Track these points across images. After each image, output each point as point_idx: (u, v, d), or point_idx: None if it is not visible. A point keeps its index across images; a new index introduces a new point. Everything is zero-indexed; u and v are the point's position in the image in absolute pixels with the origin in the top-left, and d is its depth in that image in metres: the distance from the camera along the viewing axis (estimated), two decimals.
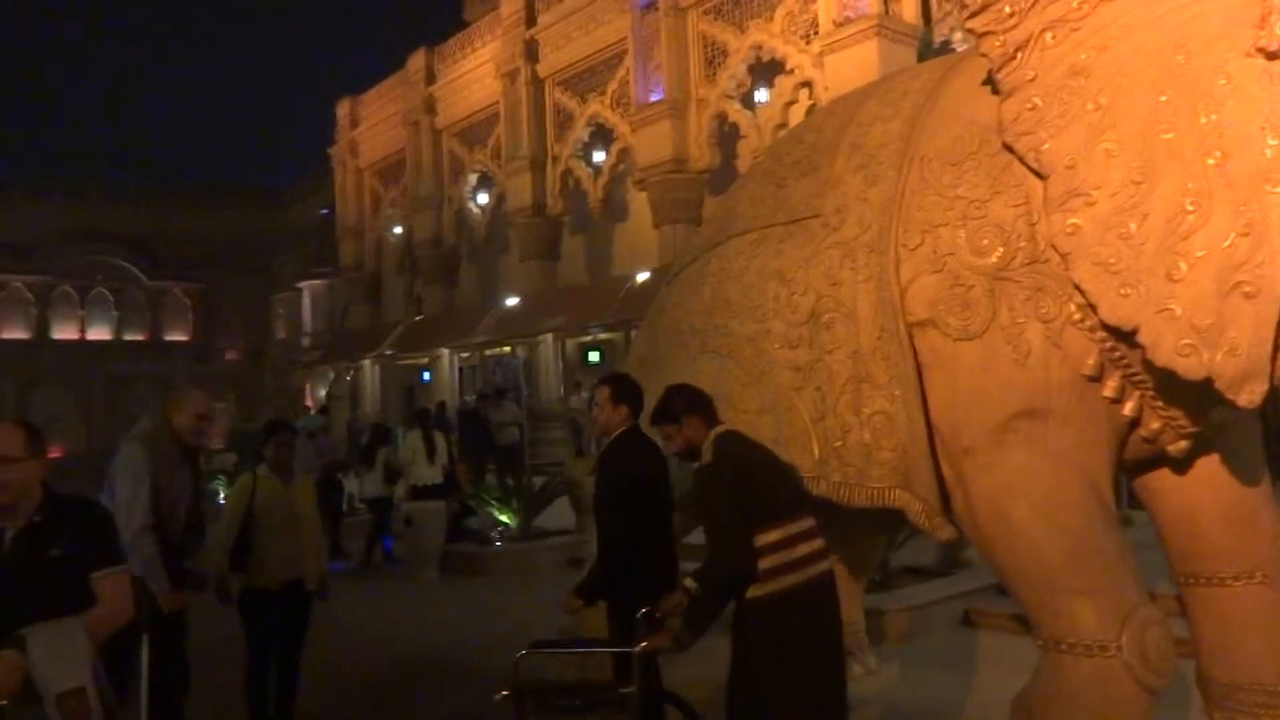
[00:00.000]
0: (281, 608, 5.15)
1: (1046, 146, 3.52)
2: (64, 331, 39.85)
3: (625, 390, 4.49)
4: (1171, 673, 3.61)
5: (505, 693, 3.71)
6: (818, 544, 3.82)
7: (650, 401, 4.24)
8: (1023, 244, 3.70)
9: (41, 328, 39.35)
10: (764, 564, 3.67)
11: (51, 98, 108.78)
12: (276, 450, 5.41)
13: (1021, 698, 3.77)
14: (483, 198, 25.64)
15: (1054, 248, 3.52)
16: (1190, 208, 3.23)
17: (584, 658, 3.91)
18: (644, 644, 3.71)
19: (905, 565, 7.42)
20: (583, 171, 22.27)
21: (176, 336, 41.77)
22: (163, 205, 40.99)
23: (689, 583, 3.78)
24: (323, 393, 31.70)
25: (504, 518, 10.97)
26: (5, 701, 2.63)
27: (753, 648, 3.70)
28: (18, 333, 39.02)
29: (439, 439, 10.58)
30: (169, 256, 40.30)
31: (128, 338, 40.73)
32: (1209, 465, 4.08)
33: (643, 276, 19.45)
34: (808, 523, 3.81)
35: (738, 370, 4.58)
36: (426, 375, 26.98)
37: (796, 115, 17.20)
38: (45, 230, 38.46)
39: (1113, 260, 3.34)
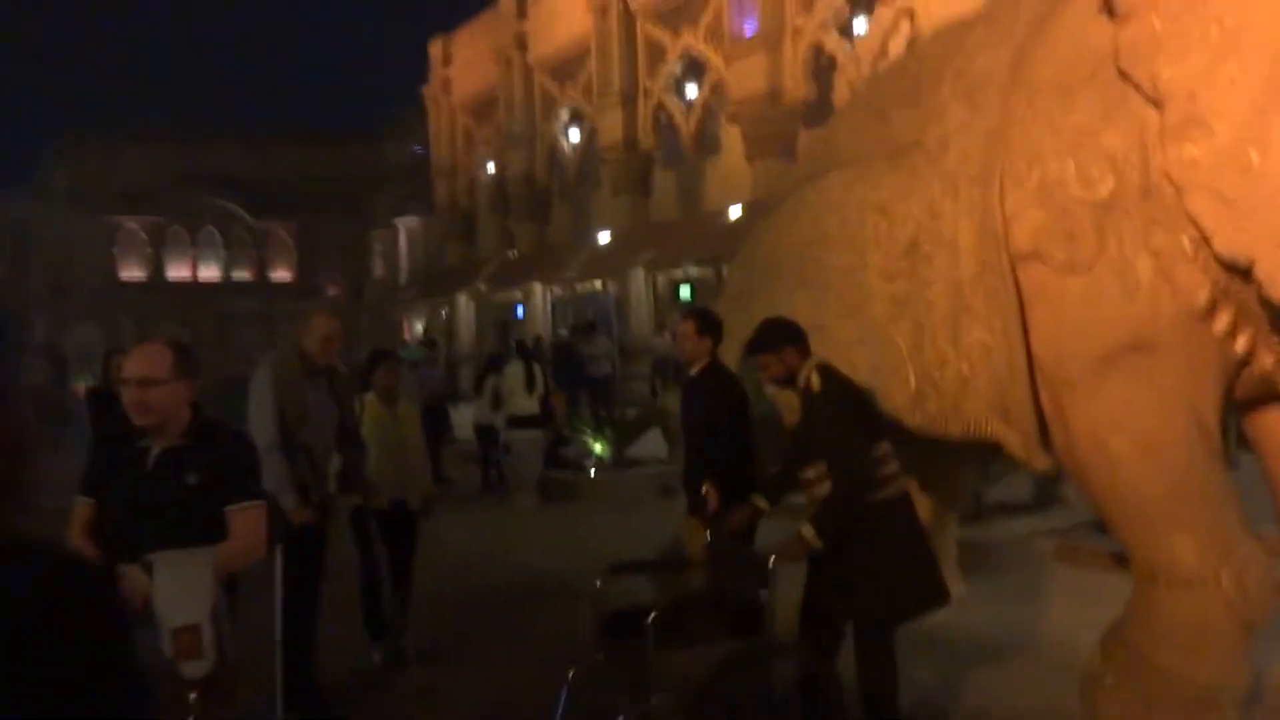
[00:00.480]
0: (390, 527, 5.42)
1: (1165, 74, 3.42)
2: (177, 271, 41.57)
3: (709, 324, 4.79)
4: (1270, 609, 3.60)
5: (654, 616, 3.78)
6: (897, 462, 4.05)
7: (748, 334, 4.34)
8: (1135, 175, 3.61)
9: (156, 268, 41.10)
10: (874, 474, 3.92)
11: (154, 45, 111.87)
12: (383, 377, 5.66)
13: (1114, 630, 3.80)
14: (574, 134, 25.70)
15: (1169, 179, 3.44)
16: None
17: (674, 575, 4.08)
18: (781, 552, 3.86)
19: (999, 500, 7.39)
20: (675, 106, 22.11)
21: (280, 274, 43.20)
22: (264, 148, 42.04)
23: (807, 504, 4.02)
24: (419, 328, 32.52)
25: (598, 447, 11.23)
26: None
27: (859, 550, 3.87)
28: (134, 273, 40.84)
29: (537, 371, 10.86)
30: (272, 197, 41.44)
31: (235, 276, 42.31)
32: None
33: (735, 211, 19.34)
34: (888, 444, 4.05)
35: (835, 302, 4.61)
36: (520, 310, 27.41)
37: (896, 47, 16.73)
38: (154, 175, 39.83)
39: (1231, 192, 3.26)
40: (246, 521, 3.01)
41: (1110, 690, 3.72)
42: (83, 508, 3.09)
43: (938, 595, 3.99)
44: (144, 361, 3.04)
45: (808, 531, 3.85)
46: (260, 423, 4.31)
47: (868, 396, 4.16)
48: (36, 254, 38.26)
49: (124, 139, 40.43)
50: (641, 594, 4.26)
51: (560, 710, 3.66)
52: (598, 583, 3.93)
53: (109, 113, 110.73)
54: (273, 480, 4.02)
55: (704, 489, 4.49)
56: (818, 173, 5.10)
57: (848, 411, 3.96)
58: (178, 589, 2.73)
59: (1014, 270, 3.93)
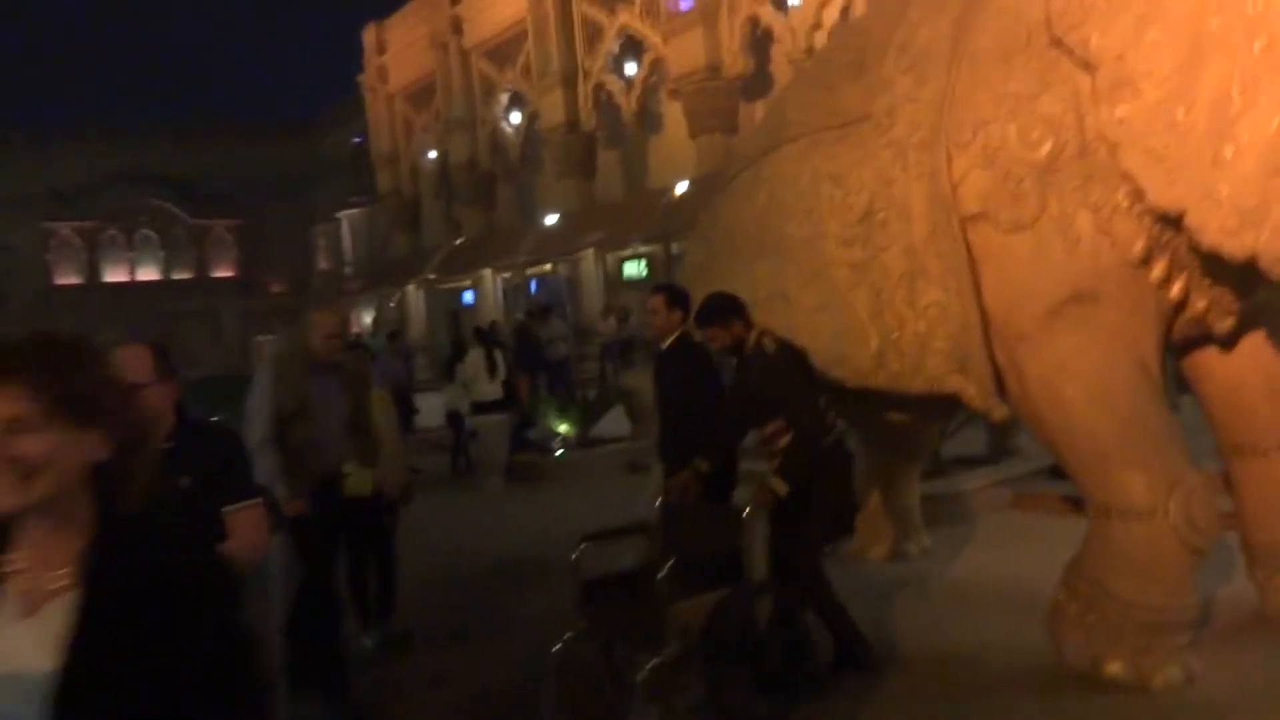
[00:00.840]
0: (368, 514, 5.51)
1: (1095, 40, 3.64)
2: (114, 274, 40.69)
3: (677, 297, 5.01)
4: (1215, 536, 3.88)
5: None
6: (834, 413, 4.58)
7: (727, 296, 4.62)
8: (1071, 136, 3.84)
9: (92, 271, 40.21)
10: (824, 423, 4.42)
11: (80, 40, 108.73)
12: (353, 366, 5.73)
13: (1074, 565, 4.05)
14: (515, 117, 25.60)
15: (1103, 138, 3.67)
16: (1236, 94, 3.36)
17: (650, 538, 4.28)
18: (755, 504, 4.16)
19: (956, 455, 7.68)
20: (615, 85, 22.14)
21: (222, 272, 42.48)
22: (199, 144, 41.26)
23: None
24: (368, 320, 32.25)
25: (562, 428, 11.37)
26: None
27: (813, 487, 4.29)
28: (70, 277, 39.91)
29: (498, 356, 10.95)
30: (209, 194, 40.73)
31: (175, 276, 41.53)
32: (1253, 342, 4.27)
33: (680, 188, 19.48)
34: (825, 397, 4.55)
35: (795, 271, 4.79)
36: (469, 297, 27.35)
37: (830, 17, 16.96)
38: (87, 174, 38.96)
39: (1161, 148, 3.49)
40: (246, 521, 2.96)
41: (1073, 620, 3.98)
42: None
43: (851, 527, 4.79)
44: (123, 366, 2.95)
45: (776, 481, 4.21)
46: (254, 418, 4.40)
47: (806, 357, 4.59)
48: None
49: (54, 139, 39.43)
50: (617, 562, 4.43)
51: (546, 684, 3.86)
52: (574, 554, 4.10)
53: (36, 112, 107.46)
54: (264, 473, 4.12)
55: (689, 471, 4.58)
56: (770, 146, 5.26)
57: (800, 369, 4.46)
58: None
59: (964, 231, 4.14)
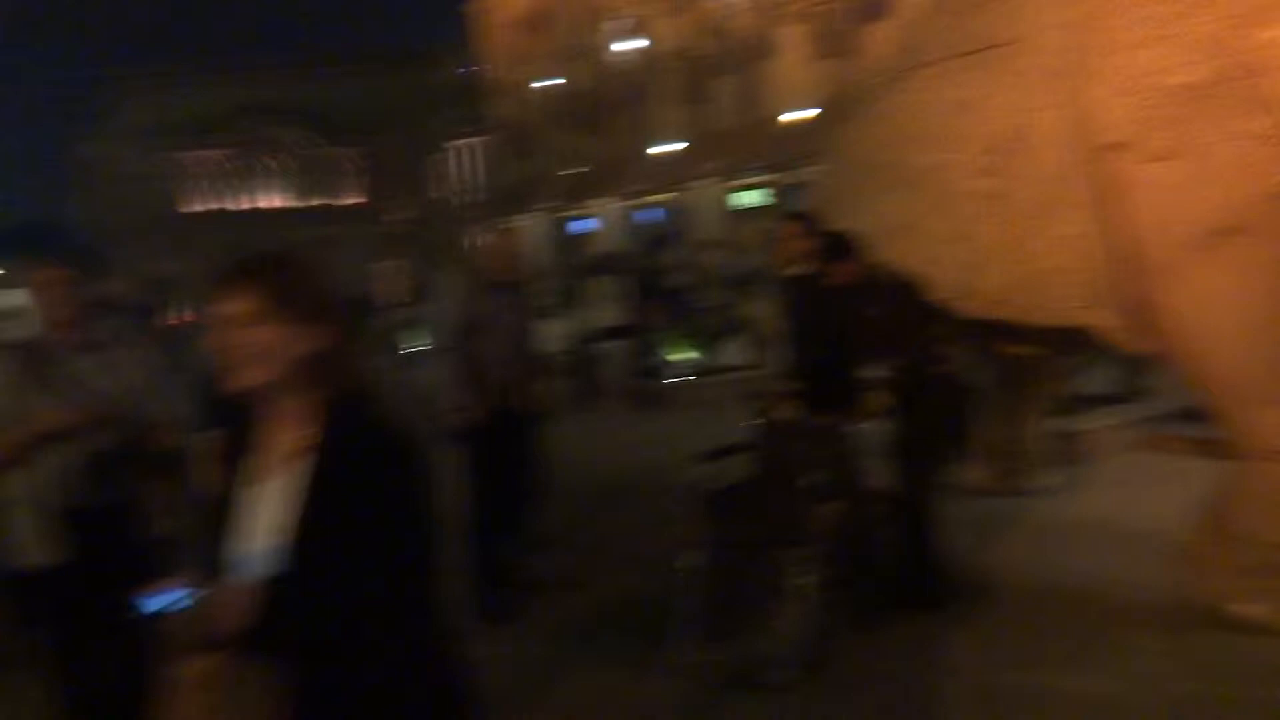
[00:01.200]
0: (528, 427, 5.71)
1: None
2: (243, 202, 42.52)
3: (808, 226, 4.98)
4: None
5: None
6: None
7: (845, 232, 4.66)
8: (1217, 61, 3.68)
9: (223, 200, 42.12)
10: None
11: None
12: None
13: (1209, 505, 3.99)
14: (631, 43, 25.39)
15: (1251, 63, 3.51)
16: None
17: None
18: (855, 418, 4.36)
19: (1086, 392, 7.50)
20: (734, 9, 21.70)
21: (348, 200, 43.87)
22: (321, 75, 42.47)
23: None
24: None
25: (682, 355, 11.53)
26: None
27: (920, 415, 4.40)
28: (206, 205, 41.88)
29: (619, 283, 11.14)
30: (336, 124, 41.95)
31: (304, 204, 43.11)
32: None
33: (801, 115, 19.12)
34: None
35: (922, 202, 4.74)
36: (585, 226, 27.57)
37: None
38: (217, 107, 40.60)
39: None
40: None
41: (1206, 560, 3.93)
42: (216, 441, 3.29)
43: (961, 458, 4.86)
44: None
45: (874, 398, 4.38)
46: (436, 328, 4.73)
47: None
48: (109, 191, 39.36)
49: (185, 74, 41.11)
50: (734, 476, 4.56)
51: (678, 590, 4.03)
52: (694, 471, 4.26)
53: (166, 49, 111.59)
54: (444, 383, 4.41)
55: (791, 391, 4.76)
56: (899, 73, 5.17)
57: (913, 301, 4.48)
58: None
59: (1102, 161, 4.03)
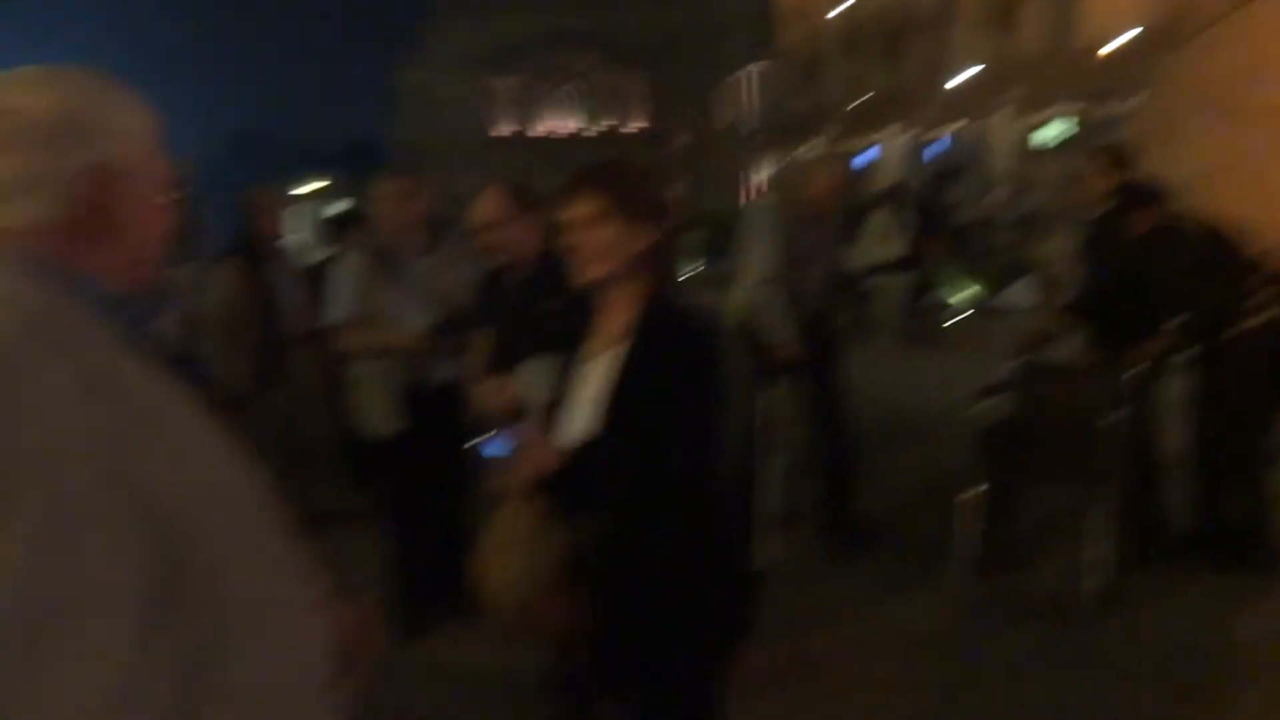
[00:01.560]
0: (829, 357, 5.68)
1: None
2: (541, 127, 44.91)
3: (1121, 159, 4.69)
4: None
5: None
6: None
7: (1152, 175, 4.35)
8: None
9: (523, 123, 44.70)
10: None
11: None
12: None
13: None
14: None
15: None
16: None
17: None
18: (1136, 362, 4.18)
19: None
20: None
21: (634, 125, 45.22)
22: (616, 4, 43.66)
23: None
24: (763, 176, 32.85)
25: (964, 293, 11.17)
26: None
27: (1228, 371, 4.20)
28: (504, 129, 44.65)
29: (902, 216, 10.88)
30: (624, 51, 43.12)
31: (593, 129, 44.91)
32: None
33: (1115, 43, 17.57)
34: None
35: (1261, 140, 4.37)
36: (870, 156, 26.88)
37: None
38: (520, 35, 42.94)
39: None
40: None
41: None
42: (485, 339, 3.44)
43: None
44: (481, 208, 3.39)
45: (1151, 344, 4.19)
46: (759, 258, 4.60)
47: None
48: (424, 115, 42.73)
49: (497, 4, 43.64)
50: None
51: (962, 523, 4.09)
52: (972, 408, 4.25)
53: None
54: (768, 313, 4.46)
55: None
56: (1240, 2, 4.73)
57: (1222, 247, 4.23)
58: (539, 383, 2.78)
59: None
